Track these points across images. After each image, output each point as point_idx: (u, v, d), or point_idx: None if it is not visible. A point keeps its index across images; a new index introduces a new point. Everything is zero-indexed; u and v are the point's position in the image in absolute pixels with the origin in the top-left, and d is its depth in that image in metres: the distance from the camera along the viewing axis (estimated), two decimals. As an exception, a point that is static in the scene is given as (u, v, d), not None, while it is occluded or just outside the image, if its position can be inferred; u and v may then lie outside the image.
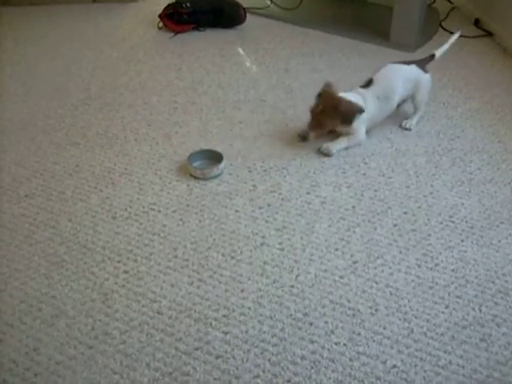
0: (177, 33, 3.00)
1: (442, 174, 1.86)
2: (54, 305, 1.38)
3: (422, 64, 2.14)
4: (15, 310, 1.37)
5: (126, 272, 1.47)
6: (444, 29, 3.02)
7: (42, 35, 2.99)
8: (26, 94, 2.36)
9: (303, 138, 2.01)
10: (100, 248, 1.55)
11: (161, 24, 3.06)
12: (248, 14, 3.09)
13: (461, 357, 1.25)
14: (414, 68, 2.10)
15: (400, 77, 2.05)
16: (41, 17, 3.25)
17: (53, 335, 1.31)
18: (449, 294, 1.41)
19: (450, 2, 3.36)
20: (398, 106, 2.10)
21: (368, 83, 2.04)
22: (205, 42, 2.90)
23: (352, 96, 1.97)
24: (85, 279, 1.45)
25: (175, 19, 3.00)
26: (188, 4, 2.99)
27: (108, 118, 2.18)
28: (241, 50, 2.81)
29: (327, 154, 1.95)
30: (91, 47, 2.84)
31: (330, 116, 1.91)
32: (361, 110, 1.93)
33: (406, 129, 2.11)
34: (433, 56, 2.17)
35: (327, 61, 2.67)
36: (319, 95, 1.94)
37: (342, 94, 1.94)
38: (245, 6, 3.08)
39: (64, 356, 1.26)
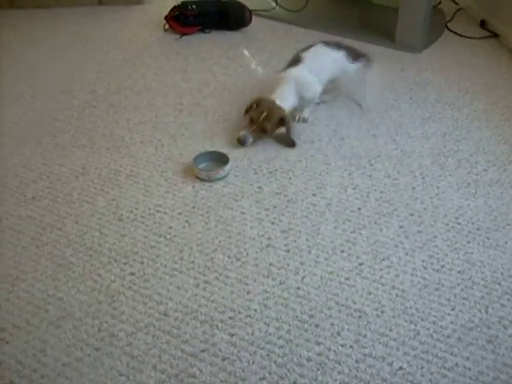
0: (183, 35, 3.00)
1: (447, 175, 1.86)
2: (61, 306, 1.39)
3: (353, 54, 2.22)
4: (22, 312, 1.38)
5: (132, 274, 1.48)
6: (450, 30, 3.02)
7: (47, 37, 3.00)
8: (32, 97, 2.37)
9: (243, 142, 2.00)
10: (106, 250, 1.56)
11: (167, 26, 3.06)
12: (253, 16, 3.09)
13: (467, 359, 1.25)
14: (342, 55, 2.19)
15: (329, 58, 2.18)
16: (46, 19, 3.26)
17: (59, 337, 1.31)
18: (455, 296, 1.41)
19: (456, 3, 3.36)
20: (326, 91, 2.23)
21: (296, 61, 2.15)
22: (210, 44, 2.90)
23: (288, 93, 2.06)
24: (91, 281, 1.46)
25: (181, 21, 3.00)
26: (194, 6, 2.99)
27: (114, 120, 2.19)
28: (246, 52, 2.82)
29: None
30: (97, 49, 2.85)
31: (276, 123, 2.00)
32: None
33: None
34: (365, 56, 2.27)
35: (333, 62, 2.67)
36: (257, 103, 2.00)
37: (277, 98, 2.02)
38: (250, 8, 3.08)
39: (71, 358, 1.26)
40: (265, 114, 1.97)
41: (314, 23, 3.11)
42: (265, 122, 1.97)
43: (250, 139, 2.00)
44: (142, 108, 2.27)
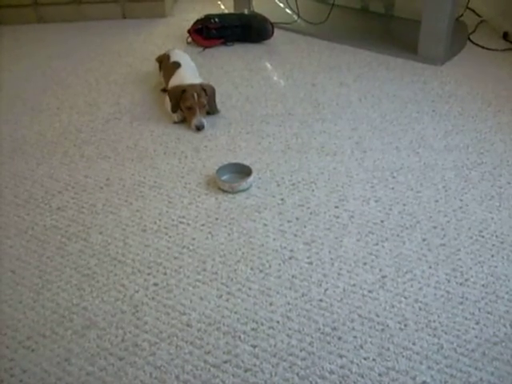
0: (205, 47, 3.04)
1: (471, 188, 1.85)
2: (85, 316, 1.40)
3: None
4: (47, 321, 1.39)
5: (155, 284, 1.49)
6: (472, 42, 3.01)
7: (74, 50, 3.06)
8: (58, 108, 2.41)
9: (201, 126, 2.19)
10: (130, 260, 1.57)
11: (190, 39, 3.10)
12: (276, 29, 3.12)
13: (492, 374, 1.24)
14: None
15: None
16: (72, 33, 3.33)
17: (84, 346, 1.32)
18: (479, 310, 1.39)
19: (479, 16, 3.35)
20: None
21: (178, 64, 2.42)
22: (233, 57, 2.93)
23: (195, 79, 2.38)
24: (115, 291, 1.47)
25: (204, 34, 3.04)
26: (217, 19, 3.03)
27: (138, 131, 2.22)
28: (268, 65, 2.84)
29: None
30: (121, 62, 2.89)
31: (205, 95, 2.22)
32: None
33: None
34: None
35: (354, 75, 2.68)
36: (183, 91, 2.20)
37: (188, 81, 2.30)
38: (272, 21, 3.11)
39: (95, 367, 1.27)
40: (195, 94, 2.18)
41: (335, 36, 3.12)
42: (200, 100, 2.19)
43: (203, 120, 2.20)
44: (165, 120, 2.29)
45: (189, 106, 2.19)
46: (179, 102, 2.22)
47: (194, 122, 2.19)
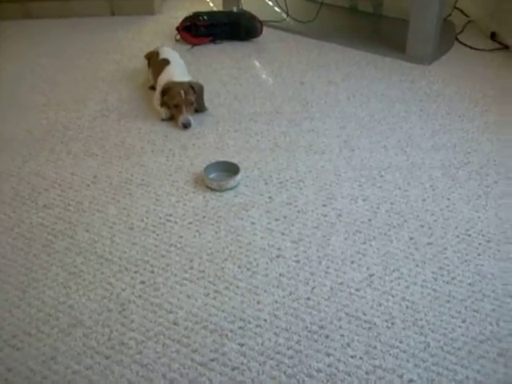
0: (194, 45, 3.03)
1: (458, 187, 1.86)
2: (71, 314, 1.39)
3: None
4: (33, 319, 1.38)
5: (142, 283, 1.48)
6: (460, 42, 3.03)
7: (61, 47, 3.03)
8: (45, 105, 2.39)
9: (188, 124, 2.19)
10: (117, 258, 1.56)
11: (178, 36, 3.09)
12: (264, 27, 3.11)
13: (478, 372, 1.25)
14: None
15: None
16: (61, 29, 3.30)
17: (70, 344, 1.32)
18: (466, 308, 1.40)
19: (466, 16, 3.36)
20: None
21: (167, 62, 2.42)
22: (222, 55, 2.92)
23: (184, 76, 2.37)
24: (102, 289, 1.47)
25: (192, 32, 3.03)
26: (205, 17, 3.02)
27: (125, 129, 2.21)
28: (257, 63, 2.83)
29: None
30: (109, 59, 2.87)
31: (192, 93, 2.23)
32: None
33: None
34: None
35: (343, 73, 2.68)
36: (167, 89, 2.22)
37: (176, 78, 2.30)
38: (261, 19, 3.10)
39: (81, 365, 1.27)
40: (182, 91, 2.19)
41: (324, 34, 3.13)
42: (187, 97, 2.20)
43: (190, 118, 2.20)
44: (152, 118, 2.28)
45: (176, 103, 2.19)
46: (165, 100, 2.24)
47: (181, 119, 2.18)
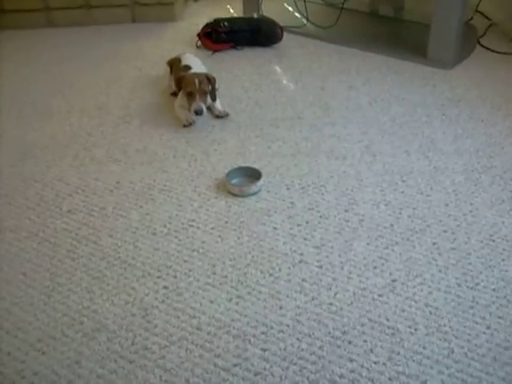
0: (215, 51, 3.04)
1: (481, 192, 1.84)
2: (96, 319, 1.41)
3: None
4: (58, 323, 1.40)
5: (165, 288, 1.49)
6: (482, 45, 3.00)
7: (83, 54, 3.07)
8: (68, 112, 2.42)
9: (200, 111, 2.23)
10: (140, 263, 1.58)
11: (199, 43, 3.11)
12: (285, 33, 3.12)
13: (503, 379, 1.23)
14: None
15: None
16: (82, 36, 3.34)
17: (94, 349, 1.33)
18: (490, 315, 1.39)
19: (488, 19, 3.34)
20: None
21: (189, 68, 2.43)
22: (242, 61, 2.93)
23: (194, 64, 2.48)
24: (125, 294, 1.48)
25: (213, 38, 3.04)
26: (226, 23, 3.03)
27: (147, 135, 2.22)
28: (278, 68, 2.84)
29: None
30: (131, 66, 2.90)
31: (207, 83, 2.28)
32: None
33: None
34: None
35: (364, 78, 2.68)
36: (182, 77, 2.29)
37: (193, 71, 2.38)
38: (282, 24, 3.11)
39: (105, 370, 1.28)
40: (197, 80, 2.23)
41: (344, 39, 3.12)
42: (201, 86, 2.24)
43: (203, 106, 2.24)
44: (174, 124, 2.30)
45: (189, 91, 2.24)
46: (181, 87, 2.31)
47: (194, 106, 2.23)
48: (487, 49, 2.97)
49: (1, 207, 1.83)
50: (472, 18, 3.24)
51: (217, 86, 2.38)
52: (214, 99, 2.35)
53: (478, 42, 3.05)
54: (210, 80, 2.30)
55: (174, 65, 2.54)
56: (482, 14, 3.35)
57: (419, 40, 2.92)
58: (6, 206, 1.84)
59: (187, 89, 2.24)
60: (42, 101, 2.54)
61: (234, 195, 1.84)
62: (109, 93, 2.60)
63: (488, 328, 1.35)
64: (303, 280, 1.51)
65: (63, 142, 2.20)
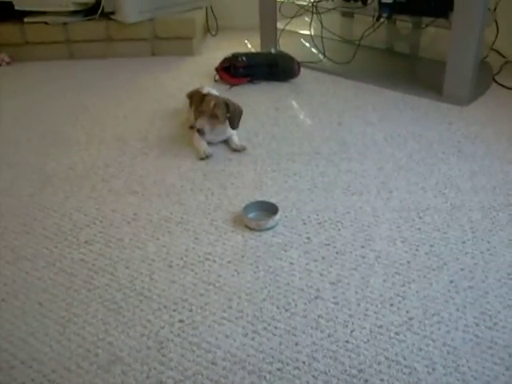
0: (232, 85, 3.08)
1: (499, 230, 1.83)
2: (111, 351, 1.41)
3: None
4: (73, 354, 1.40)
5: (181, 321, 1.49)
6: (497, 83, 3.02)
7: (103, 86, 3.12)
8: (87, 142, 2.46)
9: (203, 131, 2.27)
10: (156, 296, 1.58)
11: (217, 77, 3.16)
12: (302, 68, 3.16)
13: (523, 422, 1.21)
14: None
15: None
16: (103, 69, 3.40)
17: (109, 381, 1.32)
18: (509, 355, 1.37)
19: (503, 57, 3.36)
20: None
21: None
22: (260, 95, 2.97)
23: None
24: (141, 326, 1.48)
25: (231, 72, 3.09)
26: (244, 58, 3.08)
27: (165, 167, 2.24)
28: (295, 103, 2.87)
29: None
30: (150, 98, 2.94)
31: (223, 109, 2.30)
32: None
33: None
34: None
35: (380, 114, 2.70)
36: (202, 96, 2.33)
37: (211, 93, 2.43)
38: (299, 60, 3.15)
39: (119, 403, 1.27)
40: (213, 102, 2.27)
41: (361, 75, 3.16)
42: (215, 109, 2.27)
43: (208, 127, 2.27)
44: (192, 156, 2.32)
45: (201, 110, 2.29)
46: (196, 104, 2.35)
47: (198, 123, 2.28)
48: (502, 86, 2.99)
49: (19, 236, 1.85)
50: (487, 56, 3.26)
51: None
52: (233, 127, 2.37)
53: (494, 80, 3.07)
54: (228, 106, 2.31)
55: (194, 97, 2.57)
56: (497, 51, 3.38)
57: (435, 77, 2.94)
58: (24, 235, 1.85)
59: (201, 107, 2.30)
60: (61, 131, 2.58)
61: (251, 229, 1.84)
62: (127, 124, 2.64)
63: (507, 369, 1.33)
64: (319, 316, 1.50)
65: (82, 172, 2.22)
